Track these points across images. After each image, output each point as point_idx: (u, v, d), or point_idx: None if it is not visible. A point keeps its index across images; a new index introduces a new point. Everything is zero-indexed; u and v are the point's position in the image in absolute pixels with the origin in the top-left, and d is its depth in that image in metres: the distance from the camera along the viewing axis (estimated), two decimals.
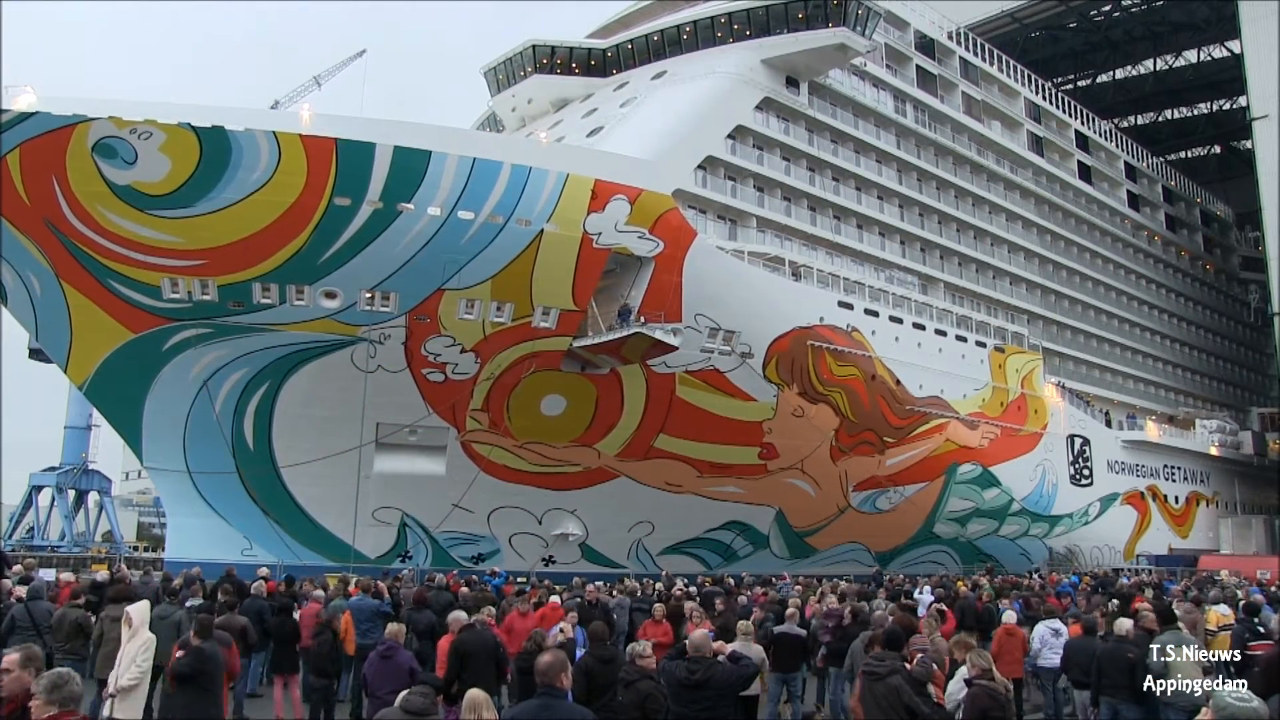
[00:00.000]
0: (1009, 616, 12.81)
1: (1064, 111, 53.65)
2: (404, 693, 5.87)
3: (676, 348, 26.84)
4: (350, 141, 23.38)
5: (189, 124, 22.32)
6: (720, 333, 28.56)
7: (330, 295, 24.53)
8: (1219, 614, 13.90)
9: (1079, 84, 68.94)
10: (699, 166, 31.48)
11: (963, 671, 8.20)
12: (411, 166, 23.79)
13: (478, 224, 24.48)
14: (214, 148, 22.49)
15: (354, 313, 24.72)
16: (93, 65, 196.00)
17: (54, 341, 25.30)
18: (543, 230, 25.15)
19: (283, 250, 23.62)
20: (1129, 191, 58.85)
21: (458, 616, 9.96)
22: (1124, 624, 10.94)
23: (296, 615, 12.54)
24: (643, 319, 26.17)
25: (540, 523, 28.97)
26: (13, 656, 5.23)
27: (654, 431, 28.66)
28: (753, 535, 32.38)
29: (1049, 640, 11.73)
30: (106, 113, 21.99)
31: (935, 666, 7.97)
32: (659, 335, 26.18)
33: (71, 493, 51.51)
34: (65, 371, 25.64)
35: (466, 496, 27.63)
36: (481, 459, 27.52)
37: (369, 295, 24.64)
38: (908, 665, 7.75)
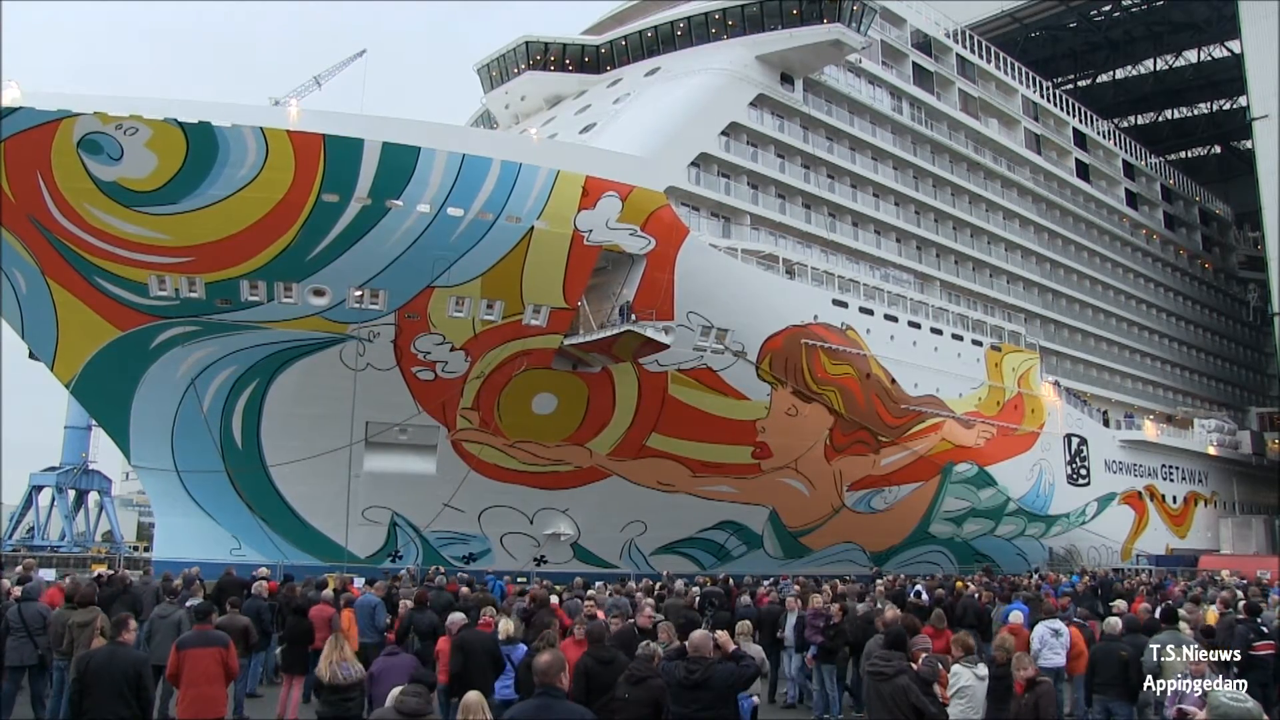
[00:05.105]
0: (1016, 616, 12.74)
1: (1062, 109, 53.50)
2: (397, 693, 5.75)
3: (668, 346, 26.66)
4: (338, 138, 23.21)
5: (175, 120, 22.16)
6: (713, 331, 28.39)
7: (319, 293, 24.36)
8: (1216, 613, 13.83)
9: (1079, 84, 68.90)
10: (692, 163, 31.32)
11: (963, 672, 8.11)
12: (400, 163, 23.62)
13: (467, 221, 24.31)
14: (200, 143, 22.31)
15: (343, 310, 24.54)
16: (90, 65, 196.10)
17: (41, 339, 25.10)
18: (533, 227, 24.99)
19: (270, 247, 23.44)
20: (1127, 190, 58.72)
21: (455, 619, 10.05)
22: (1114, 623, 10.86)
23: None
24: (634, 316, 26.00)
25: (532, 522, 28.79)
26: None
27: (646, 430, 28.48)
28: (746, 535, 32.18)
29: (1049, 640, 11.61)
30: (92, 108, 21.82)
31: (940, 666, 7.97)
32: (651, 333, 26.01)
33: (71, 493, 51.24)
34: (52, 370, 25.43)
35: (457, 496, 27.44)
36: (472, 458, 27.34)
37: (358, 293, 24.46)
38: (913, 665, 7.73)
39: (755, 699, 9.61)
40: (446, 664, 9.64)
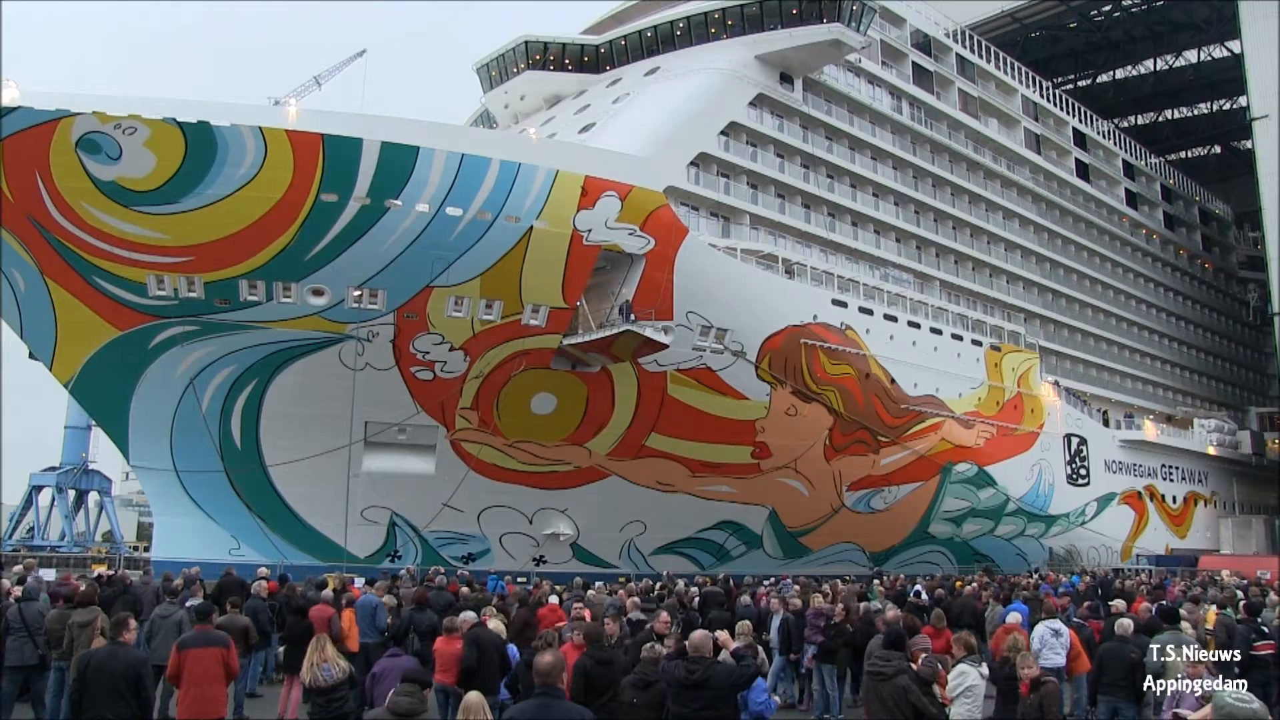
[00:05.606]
0: (1014, 617, 12.73)
1: (1062, 109, 53.47)
2: (390, 693, 5.73)
3: (667, 345, 26.65)
4: (337, 137, 23.20)
5: (174, 119, 22.14)
6: (712, 331, 28.35)
7: (318, 292, 24.34)
8: (1216, 613, 13.81)
9: (1079, 84, 68.82)
10: (692, 163, 31.31)
11: (970, 671, 8.12)
12: (399, 162, 23.60)
13: (466, 220, 24.29)
14: (199, 143, 22.30)
15: (342, 310, 24.52)
16: (89, 65, 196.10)
17: (39, 339, 25.08)
18: (532, 227, 24.98)
19: (269, 247, 23.43)
20: (1127, 189, 58.69)
21: (467, 617, 10.10)
22: (1125, 624, 10.83)
23: None
24: (633, 316, 25.98)
25: (531, 522, 28.75)
26: None
27: (646, 430, 28.44)
28: (746, 535, 32.15)
29: (1049, 640, 11.60)
30: (90, 108, 21.80)
31: (939, 666, 7.96)
32: (650, 333, 25.99)
33: (71, 493, 51.20)
34: (51, 369, 25.41)
35: (456, 495, 27.41)
36: (471, 458, 27.31)
37: (357, 292, 24.45)
38: (913, 665, 7.73)
39: (777, 700, 9.59)
40: (445, 663, 9.64)
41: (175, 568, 17.71)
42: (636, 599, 13.72)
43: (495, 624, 10.05)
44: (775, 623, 13.84)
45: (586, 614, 10.82)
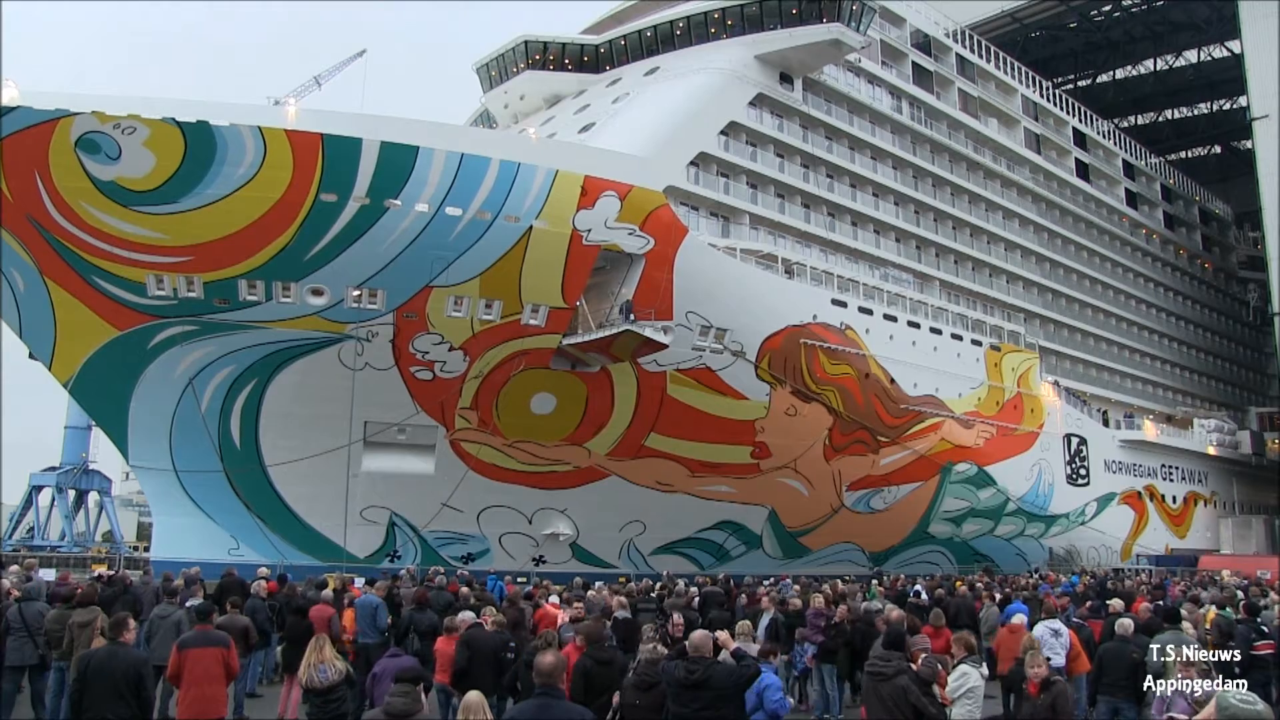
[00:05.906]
0: (1018, 618, 12.76)
1: (1062, 109, 53.48)
2: (387, 695, 5.71)
3: (667, 345, 26.65)
4: (337, 137, 23.19)
5: (173, 119, 22.13)
6: (712, 330, 28.35)
7: (317, 292, 24.33)
8: (1215, 613, 13.82)
9: (1079, 84, 68.85)
10: (691, 163, 31.30)
11: (971, 672, 8.14)
12: (399, 162, 23.60)
13: (465, 220, 24.28)
14: (199, 143, 22.29)
15: (341, 310, 24.52)
16: (91, 66, 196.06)
17: (38, 339, 25.06)
18: (531, 227, 24.97)
19: (269, 246, 23.42)
20: (1127, 189, 58.69)
21: (466, 617, 10.15)
22: (1125, 624, 10.83)
23: None
24: (633, 316, 25.98)
25: (530, 522, 28.75)
26: None
27: (645, 430, 28.43)
28: (745, 535, 32.14)
29: (1048, 640, 11.58)
30: (89, 107, 21.80)
31: (939, 666, 7.94)
32: (649, 333, 25.98)
33: (71, 493, 51.26)
34: (50, 369, 25.40)
35: (455, 495, 27.40)
36: (470, 458, 27.30)
37: (356, 292, 24.44)
38: (913, 665, 7.71)
39: (791, 701, 9.57)
40: (445, 663, 9.64)
41: (175, 568, 17.68)
42: (623, 599, 13.74)
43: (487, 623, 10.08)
44: (764, 622, 13.77)
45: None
